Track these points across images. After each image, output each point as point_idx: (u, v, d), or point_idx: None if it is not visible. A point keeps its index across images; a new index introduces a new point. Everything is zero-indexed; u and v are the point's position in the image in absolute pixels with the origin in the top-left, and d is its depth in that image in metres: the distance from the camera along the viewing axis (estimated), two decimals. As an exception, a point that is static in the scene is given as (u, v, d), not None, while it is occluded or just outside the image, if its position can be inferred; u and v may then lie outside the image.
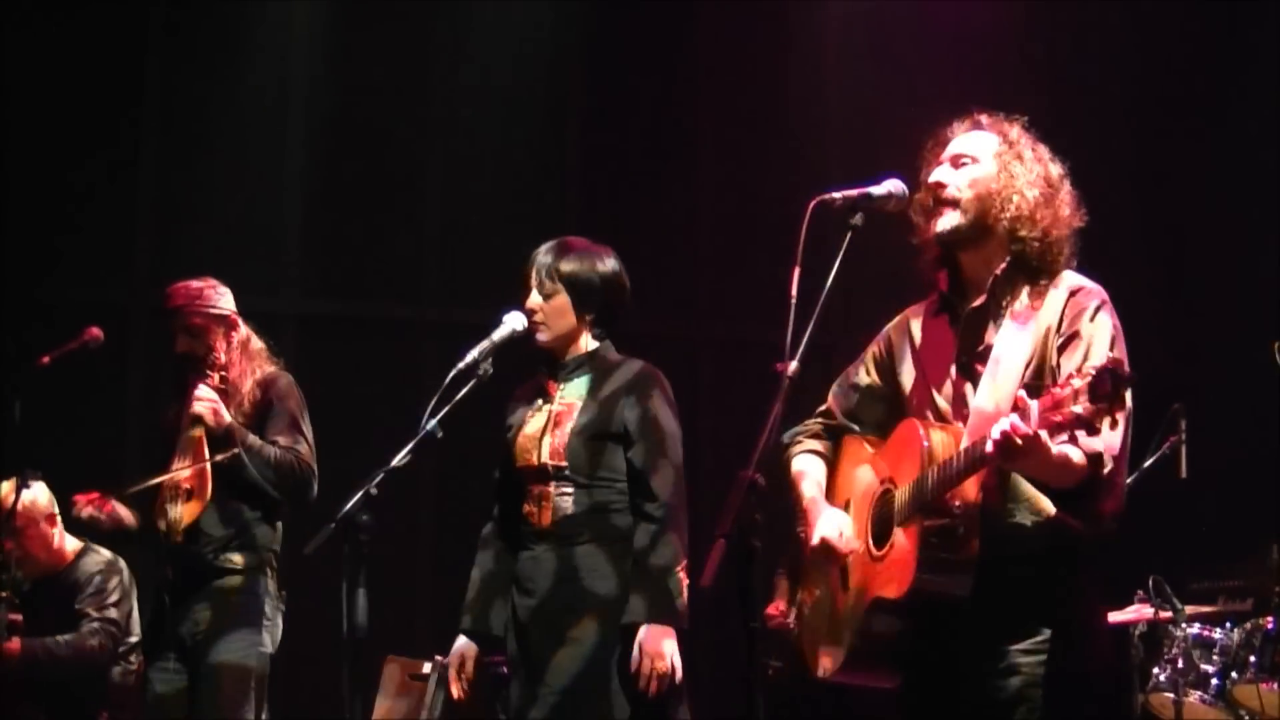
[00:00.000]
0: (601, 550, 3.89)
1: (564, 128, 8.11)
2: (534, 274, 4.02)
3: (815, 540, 3.23)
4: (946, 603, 3.00)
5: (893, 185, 3.16)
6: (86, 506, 4.82)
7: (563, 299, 3.99)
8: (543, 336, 4.00)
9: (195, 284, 4.83)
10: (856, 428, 3.39)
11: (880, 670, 3.24)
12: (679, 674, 3.79)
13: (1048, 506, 3.02)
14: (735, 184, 8.19)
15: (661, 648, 3.78)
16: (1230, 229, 8.21)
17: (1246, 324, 7.60)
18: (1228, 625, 5.80)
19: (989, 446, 2.81)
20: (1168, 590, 5.72)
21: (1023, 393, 2.80)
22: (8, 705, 5.29)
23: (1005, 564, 3.00)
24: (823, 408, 3.48)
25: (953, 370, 3.17)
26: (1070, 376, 2.72)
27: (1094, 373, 2.64)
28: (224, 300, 4.84)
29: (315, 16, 7.75)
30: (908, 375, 3.28)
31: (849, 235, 3.10)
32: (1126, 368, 2.66)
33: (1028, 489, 3.03)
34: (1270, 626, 5.62)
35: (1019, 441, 2.75)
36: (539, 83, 8.03)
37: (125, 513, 4.87)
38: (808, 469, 3.40)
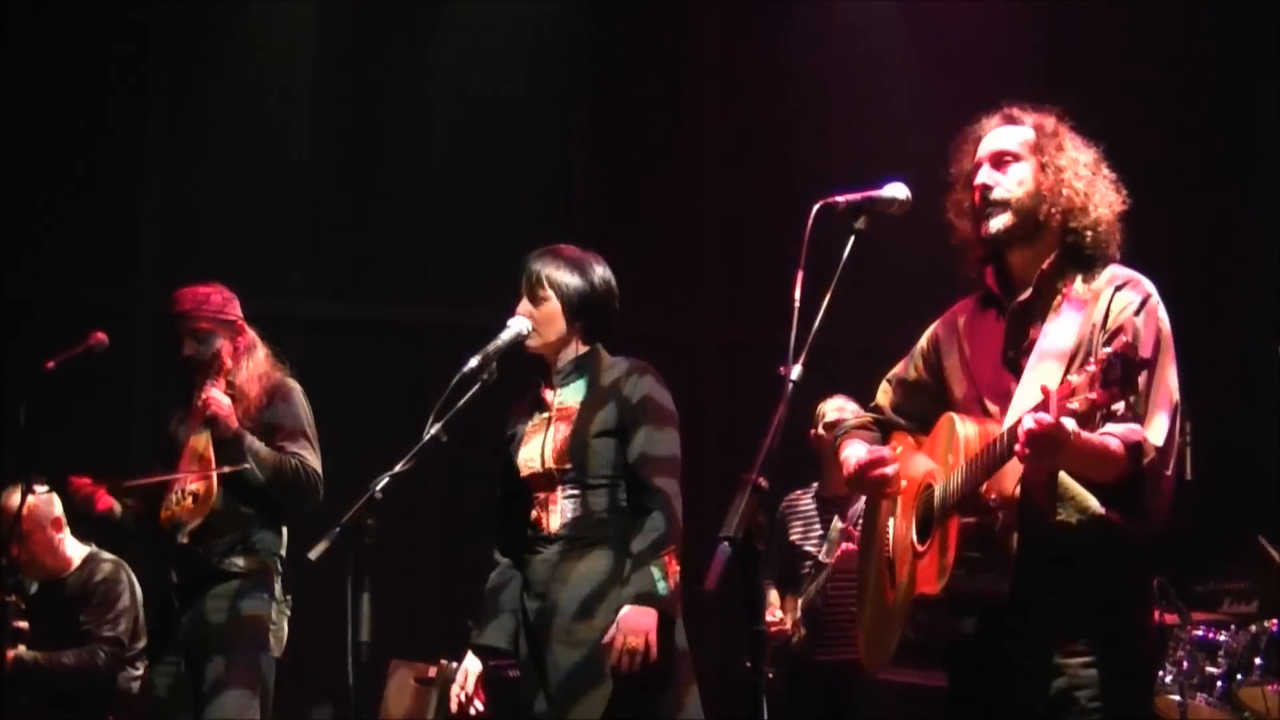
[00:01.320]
0: (609, 551, 3.87)
1: (569, 130, 8.11)
2: (524, 281, 4.04)
3: (852, 466, 3.22)
4: (991, 601, 2.99)
5: (896, 189, 3.15)
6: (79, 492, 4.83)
7: (553, 306, 4.00)
8: (533, 343, 4.01)
9: (203, 289, 4.85)
10: (905, 423, 3.39)
11: (930, 666, 3.24)
12: (654, 653, 3.71)
13: (1095, 505, 2.99)
14: (739, 186, 8.19)
15: (637, 625, 3.71)
16: (1233, 230, 8.21)
17: (1251, 326, 7.61)
18: (1233, 628, 5.79)
19: (1018, 447, 2.79)
20: (1173, 593, 5.71)
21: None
22: (13, 708, 5.29)
23: (1052, 563, 2.98)
24: (872, 403, 3.49)
25: (999, 365, 3.16)
26: (1085, 364, 2.70)
27: (1104, 358, 2.63)
28: (231, 306, 4.86)
29: (317, 17, 7.76)
30: (954, 371, 3.27)
31: (853, 239, 3.09)
32: (1138, 353, 2.63)
33: (1075, 487, 3.00)
34: (1276, 629, 5.61)
35: (1044, 433, 2.72)
36: (543, 84, 8.03)
37: (115, 504, 4.85)
38: (853, 445, 3.37)
